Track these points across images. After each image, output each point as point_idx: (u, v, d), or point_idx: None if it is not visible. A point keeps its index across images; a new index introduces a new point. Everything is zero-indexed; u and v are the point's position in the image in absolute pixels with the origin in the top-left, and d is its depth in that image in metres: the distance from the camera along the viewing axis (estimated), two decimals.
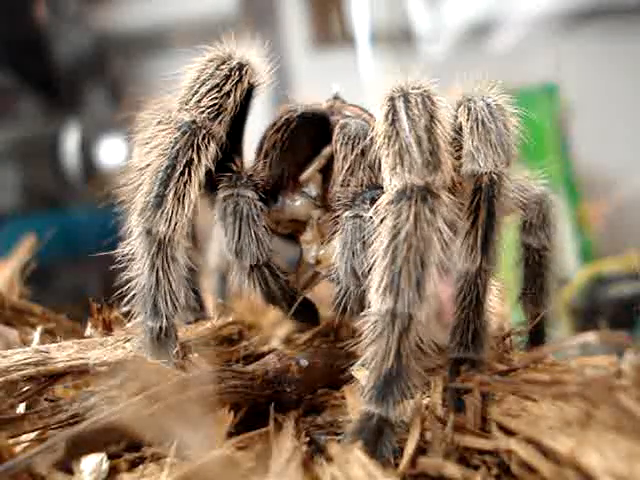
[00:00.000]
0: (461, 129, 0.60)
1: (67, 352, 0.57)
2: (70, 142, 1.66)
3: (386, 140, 0.55)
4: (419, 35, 1.96)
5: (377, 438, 0.49)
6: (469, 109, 0.60)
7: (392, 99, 0.56)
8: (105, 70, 2.06)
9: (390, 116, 0.55)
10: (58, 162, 1.66)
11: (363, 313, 0.53)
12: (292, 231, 0.71)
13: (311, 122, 0.70)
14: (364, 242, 0.59)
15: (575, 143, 1.71)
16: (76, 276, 1.48)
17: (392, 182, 0.53)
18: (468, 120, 0.59)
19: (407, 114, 0.55)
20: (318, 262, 0.68)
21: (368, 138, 0.64)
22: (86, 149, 1.67)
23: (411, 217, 0.50)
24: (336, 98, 0.76)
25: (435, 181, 0.52)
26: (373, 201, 0.58)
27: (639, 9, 1.84)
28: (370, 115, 0.71)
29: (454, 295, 0.57)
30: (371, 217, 0.56)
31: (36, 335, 0.73)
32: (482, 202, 0.56)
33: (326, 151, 0.69)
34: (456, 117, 0.61)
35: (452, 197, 0.54)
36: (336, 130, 0.68)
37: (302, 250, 0.69)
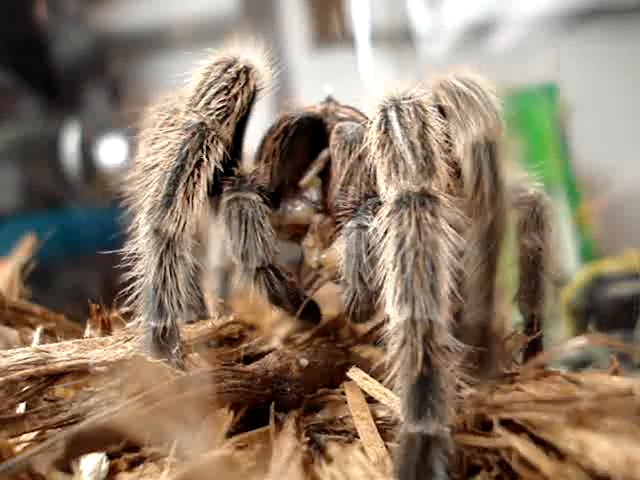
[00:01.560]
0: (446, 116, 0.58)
1: (67, 352, 0.57)
2: (70, 142, 1.66)
3: (380, 149, 0.55)
4: (419, 35, 1.96)
5: (426, 459, 0.45)
6: (446, 88, 0.58)
7: (384, 110, 0.56)
8: (105, 70, 2.05)
9: (383, 125, 0.55)
10: (58, 162, 1.66)
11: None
12: (293, 235, 0.71)
13: (308, 127, 0.71)
14: (368, 251, 0.59)
15: (575, 143, 1.71)
16: (76, 276, 1.48)
17: (388, 190, 0.53)
18: (449, 98, 0.58)
19: (399, 122, 0.55)
20: (320, 266, 0.68)
21: (364, 142, 0.65)
22: (86, 149, 1.67)
23: (413, 223, 0.50)
24: (329, 100, 0.76)
25: (431, 186, 0.51)
26: (374, 208, 0.58)
27: (639, 9, 1.84)
28: (364, 117, 0.71)
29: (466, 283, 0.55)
30: (374, 227, 0.55)
31: (36, 335, 0.73)
32: (483, 163, 0.54)
33: (323, 155, 0.70)
34: (439, 105, 0.59)
35: (452, 198, 0.53)
36: (333, 135, 0.68)
37: (304, 254, 0.69)
